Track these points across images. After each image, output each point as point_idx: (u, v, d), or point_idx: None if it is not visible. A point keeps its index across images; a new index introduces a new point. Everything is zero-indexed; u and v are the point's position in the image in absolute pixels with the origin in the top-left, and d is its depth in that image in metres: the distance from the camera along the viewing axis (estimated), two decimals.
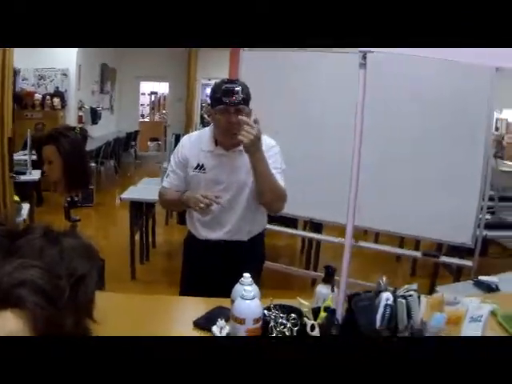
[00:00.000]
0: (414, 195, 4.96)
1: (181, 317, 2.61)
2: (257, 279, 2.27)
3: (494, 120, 9.31)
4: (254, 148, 2.82)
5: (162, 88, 19.84)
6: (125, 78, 16.98)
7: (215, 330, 2.04)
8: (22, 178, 6.95)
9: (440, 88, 4.70)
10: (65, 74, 12.45)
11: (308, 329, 1.93)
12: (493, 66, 3.99)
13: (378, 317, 1.96)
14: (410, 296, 2.01)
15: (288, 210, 3.30)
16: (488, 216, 5.92)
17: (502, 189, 7.14)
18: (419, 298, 2.04)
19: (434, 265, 5.86)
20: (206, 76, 16.98)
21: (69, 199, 3.22)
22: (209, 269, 3.22)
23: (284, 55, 5.03)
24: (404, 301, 1.98)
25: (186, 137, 3.36)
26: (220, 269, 3.13)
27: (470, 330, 2.11)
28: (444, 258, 5.28)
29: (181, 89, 17.20)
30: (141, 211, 6.71)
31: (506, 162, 9.80)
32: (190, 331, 2.38)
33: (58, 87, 12.39)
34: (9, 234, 1.90)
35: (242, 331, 1.91)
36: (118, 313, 2.40)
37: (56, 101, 11.97)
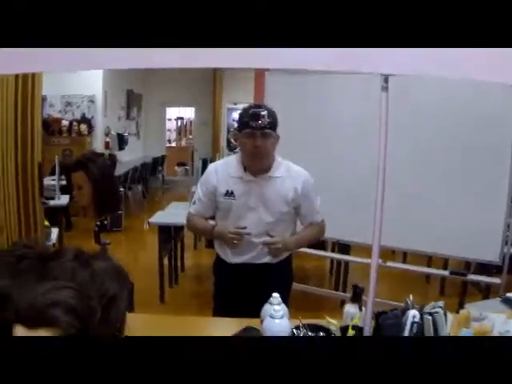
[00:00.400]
0: (441, 214, 5.00)
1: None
2: (285, 300, 2.31)
3: None
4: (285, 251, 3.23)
5: (188, 113, 19.97)
6: (151, 104, 17.14)
7: None
8: (51, 202, 7.05)
9: (464, 101, 4.72)
10: (91, 101, 12.60)
11: None
12: None
13: (406, 334, 1.99)
14: (437, 313, 2.03)
15: None
16: None
17: None
18: (445, 314, 2.07)
19: (463, 283, 5.84)
20: (232, 100, 17.09)
21: (98, 223, 3.28)
22: (239, 292, 3.29)
23: (308, 79, 5.08)
24: (430, 317, 2.01)
25: (212, 165, 3.43)
26: (249, 291, 3.17)
27: None
28: (472, 276, 5.28)
29: (207, 113, 17.32)
30: (169, 235, 6.75)
31: None
32: None
33: (84, 113, 12.53)
34: (41, 257, 1.97)
35: None
36: (149, 334, 2.44)
37: (83, 127, 12.11)
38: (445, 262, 6.43)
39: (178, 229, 6.95)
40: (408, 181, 4.87)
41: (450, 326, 2.09)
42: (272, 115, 3.04)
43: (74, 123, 12.10)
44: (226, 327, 2.69)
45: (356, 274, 6.53)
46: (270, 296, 2.29)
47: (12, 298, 1.63)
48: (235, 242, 3.07)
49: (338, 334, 2.06)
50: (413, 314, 2.01)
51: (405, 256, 7.06)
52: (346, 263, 6.35)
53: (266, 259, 3.26)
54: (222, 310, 3.32)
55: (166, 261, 6.67)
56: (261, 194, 3.17)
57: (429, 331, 2.01)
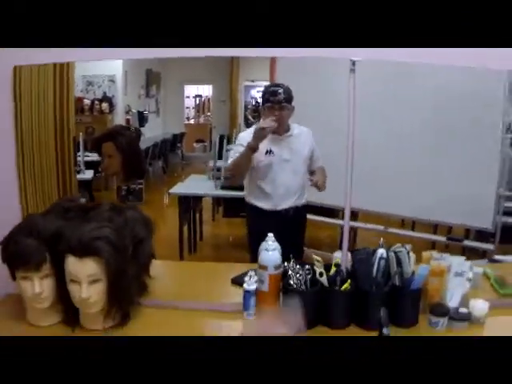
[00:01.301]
0: (442, 185, 5.43)
1: (221, 277, 3.14)
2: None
3: None
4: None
5: (206, 91, 20.12)
6: (169, 82, 17.17)
7: (246, 278, 2.53)
8: (77, 176, 7.41)
9: (456, 80, 4.90)
10: (112, 80, 12.80)
11: (317, 274, 2.42)
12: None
13: (374, 267, 2.44)
14: (400, 251, 2.48)
15: (325, 200, 4.09)
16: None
17: None
18: (409, 254, 2.52)
19: (462, 249, 6.18)
20: (249, 78, 17.26)
21: (125, 188, 3.75)
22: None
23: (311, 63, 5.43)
24: (394, 254, 2.47)
25: (241, 134, 4.33)
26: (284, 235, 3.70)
27: (453, 283, 2.56)
28: (467, 242, 5.73)
29: (224, 91, 17.43)
30: (188, 205, 7.20)
31: None
32: (228, 287, 2.87)
33: (105, 92, 12.71)
34: (82, 208, 2.49)
35: (265, 276, 2.42)
36: (168, 275, 2.92)
37: (104, 105, 12.30)
38: (448, 230, 6.74)
39: (197, 199, 7.44)
40: (407, 152, 5.27)
41: (412, 262, 2.54)
42: (287, 91, 4.00)
43: (96, 102, 12.28)
44: (240, 269, 3.11)
45: (363, 242, 6.89)
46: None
47: (65, 235, 2.13)
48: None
49: (321, 267, 2.50)
50: (381, 251, 2.47)
51: (413, 225, 7.37)
52: (355, 230, 6.69)
53: (302, 201, 4.29)
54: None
55: (185, 230, 7.01)
56: (291, 148, 4.12)
57: (393, 265, 2.46)
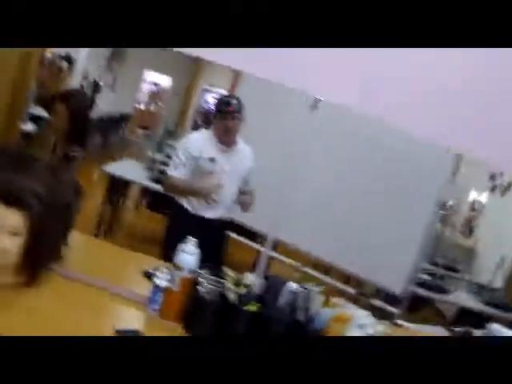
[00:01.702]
0: (364, 237, 5.48)
1: (136, 266, 3.04)
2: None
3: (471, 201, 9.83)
4: None
5: (165, 81, 20.02)
6: (132, 62, 17.04)
7: (158, 273, 2.53)
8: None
9: (400, 148, 5.11)
10: None
11: (226, 289, 2.46)
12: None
13: (283, 298, 2.50)
14: (311, 290, 2.54)
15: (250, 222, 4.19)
16: (428, 277, 6.46)
17: (451, 260, 7.73)
18: (318, 295, 2.57)
19: (370, 307, 6.23)
20: (209, 82, 17.25)
21: (63, 152, 3.72)
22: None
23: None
24: (305, 290, 2.52)
25: (191, 135, 4.39)
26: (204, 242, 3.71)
27: (354, 334, 2.60)
28: (373, 301, 5.77)
29: (182, 87, 17.42)
30: (117, 187, 7.07)
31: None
32: (138, 277, 2.87)
33: (69, 51, 12.61)
34: (19, 155, 2.44)
35: (178, 277, 2.43)
36: (83, 249, 2.91)
37: (64, 64, 12.19)
38: (359, 285, 6.71)
39: (126, 184, 7.29)
40: (345, 203, 5.40)
41: (319, 304, 2.59)
42: (240, 103, 4.01)
43: (58, 59, 12.18)
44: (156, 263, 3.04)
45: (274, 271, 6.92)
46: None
47: None
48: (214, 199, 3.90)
49: (232, 283, 2.53)
50: (293, 285, 2.53)
51: (328, 270, 7.35)
52: (271, 258, 6.68)
53: (228, 216, 4.31)
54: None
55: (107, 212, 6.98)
56: (234, 161, 4.10)
57: (301, 302, 2.51)
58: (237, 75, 6.99)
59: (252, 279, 2.75)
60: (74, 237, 2.67)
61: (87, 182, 10.10)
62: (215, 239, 3.98)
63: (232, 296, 2.44)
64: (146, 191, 8.05)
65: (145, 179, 6.83)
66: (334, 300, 2.70)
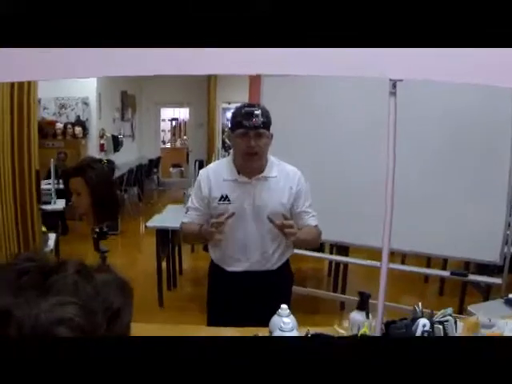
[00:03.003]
0: (440, 214, 4.96)
1: None
2: (287, 302, 2.25)
3: None
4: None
5: (183, 114, 19.89)
6: (145, 105, 17.05)
7: None
8: (48, 207, 7.01)
9: (466, 107, 4.69)
10: (85, 103, 12.53)
11: None
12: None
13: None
14: (447, 321, 1.99)
15: None
16: None
17: None
18: (455, 322, 2.02)
19: (463, 284, 5.80)
20: (226, 100, 17.02)
21: (97, 230, 3.21)
22: (237, 298, 3.20)
23: (304, 80, 5.02)
24: (441, 326, 1.96)
25: (203, 171, 3.32)
26: (249, 298, 3.14)
27: None
28: (472, 277, 5.23)
29: (201, 114, 17.24)
30: (167, 238, 6.73)
31: None
32: None
33: (79, 116, 12.47)
34: (42, 271, 1.90)
35: None
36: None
37: (77, 129, 12.05)
38: (444, 263, 6.39)
39: (175, 232, 6.93)
40: (408, 182, 4.82)
41: (459, 333, 2.05)
42: (266, 114, 2.97)
43: (69, 126, 12.04)
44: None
45: (354, 276, 6.52)
46: (271, 301, 2.24)
47: (14, 316, 1.58)
48: (214, 230, 2.92)
49: None
50: (423, 322, 1.96)
51: (404, 257, 7.03)
52: (345, 265, 6.31)
53: (266, 266, 3.18)
54: (216, 317, 3.25)
55: (163, 264, 6.64)
56: (256, 197, 3.09)
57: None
58: (252, 84, 6.47)
59: (358, 319, 2.25)
60: (136, 331, 2.17)
61: (136, 238, 9.90)
62: (268, 293, 3.10)
63: None
64: None
65: None
66: (472, 320, 2.14)
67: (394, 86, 2.08)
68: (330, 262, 7.19)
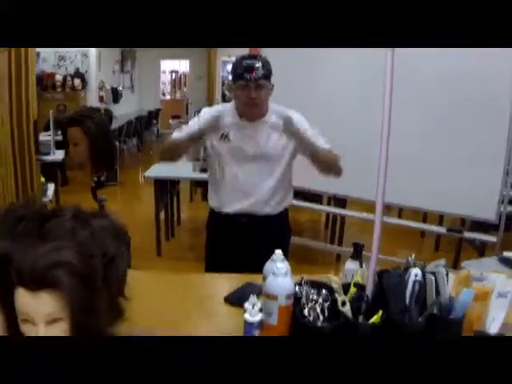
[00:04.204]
0: (437, 171, 4.98)
1: (211, 293, 2.61)
2: (285, 254, 2.27)
3: None
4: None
5: (183, 66, 19.81)
6: (145, 57, 16.99)
7: (247, 305, 2.03)
8: (47, 158, 7.02)
9: (465, 69, 4.70)
10: (85, 55, 12.51)
11: (339, 304, 1.93)
12: None
13: (408, 293, 1.97)
14: (438, 272, 2.01)
15: (312, 185, 3.34)
16: None
17: None
18: (447, 274, 2.04)
19: (458, 240, 5.85)
20: (226, 53, 16.94)
21: (95, 179, 3.23)
22: (235, 245, 3.26)
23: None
24: (433, 277, 1.99)
25: (206, 108, 3.35)
26: (246, 244, 3.19)
27: (496, 306, 2.11)
28: (468, 234, 5.28)
29: (201, 66, 17.21)
30: (165, 189, 6.80)
31: None
32: (221, 307, 2.40)
33: (78, 68, 12.45)
34: (39, 218, 1.93)
35: (274, 308, 1.92)
36: (148, 291, 2.43)
37: (77, 81, 12.04)
38: (440, 219, 6.42)
39: (174, 182, 7.01)
40: (406, 138, 4.84)
41: (451, 285, 2.07)
42: (266, 66, 3.01)
43: (68, 78, 12.03)
44: (225, 283, 2.64)
45: (351, 229, 6.57)
46: (269, 250, 2.26)
47: (13, 261, 1.60)
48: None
49: (340, 291, 2.02)
50: (415, 272, 1.98)
51: (400, 211, 7.07)
52: (342, 217, 6.35)
53: (266, 210, 3.22)
54: (215, 266, 3.27)
55: (162, 214, 6.68)
56: (256, 139, 3.14)
57: (431, 290, 1.99)
58: None
59: (352, 268, 2.28)
60: (133, 279, 2.19)
61: (135, 188, 9.94)
62: (266, 237, 3.09)
63: (348, 311, 1.93)
64: (196, 182, 7.93)
65: (191, 172, 6.44)
66: (464, 273, 2.16)
67: None
68: (328, 214, 7.25)
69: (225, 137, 3.13)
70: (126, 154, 12.39)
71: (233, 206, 3.22)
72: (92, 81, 12.70)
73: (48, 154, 7.28)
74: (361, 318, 1.93)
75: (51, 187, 5.76)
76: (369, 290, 2.08)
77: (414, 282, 1.96)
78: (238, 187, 3.18)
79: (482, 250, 5.26)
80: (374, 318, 1.89)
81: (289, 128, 2.91)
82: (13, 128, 3.74)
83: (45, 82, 11.49)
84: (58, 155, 7.39)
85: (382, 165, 2.21)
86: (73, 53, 12.40)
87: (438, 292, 1.99)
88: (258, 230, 3.19)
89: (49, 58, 12.07)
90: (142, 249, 4.91)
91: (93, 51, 12.57)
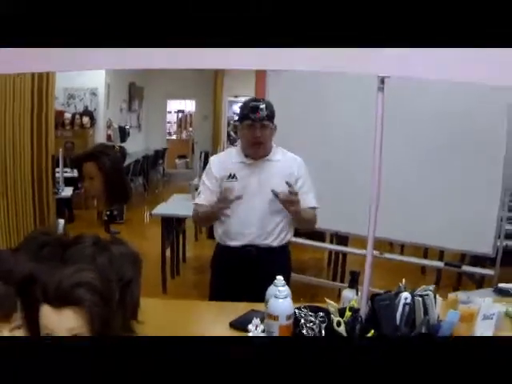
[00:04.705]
0: (436, 206, 5.13)
1: (216, 319, 2.76)
2: (287, 282, 2.45)
3: None
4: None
5: (189, 106, 20.01)
6: (152, 97, 17.17)
7: (251, 327, 2.20)
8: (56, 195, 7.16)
9: (463, 102, 4.81)
10: (94, 93, 12.67)
11: (334, 324, 2.10)
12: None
13: (398, 314, 2.14)
14: (427, 295, 2.18)
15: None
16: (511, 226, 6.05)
17: None
18: (435, 297, 2.21)
19: (458, 275, 5.98)
20: (232, 94, 17.16)
21: (108, 213, 3.41)
22: (239, 276, 3.43)
23: (308, 78, 5.20)
24: (421, 299, 2.16)
25: (214, 156, 3.73)
26: (249, 276, 3.36)
27: (482, 327, 2.27)
28: (466, 268, 5.43)
29: (207, 106, 17.38)
30: (171, 227, 6.89)
31: None
32: (226, 332, 2.55)
33: (87, 106, 12.61)
34: (61, 244, 2.13)
35: (275, 327, 2.11)
36: (157, 317, 2.58)
37: (85, 119, 12.19)
38: (440, 254, 6.51)
39: (180, 220, 7.14)
40: (405, 175, 5.02)
41: (439, 308, 2.24)
42: (270, 108, 3.34)
43: (77, 116, 12.18)
44: (230, 310, 2.78)
45: (354, 265, 6.67)
46: (271, 280, 2.45)
47: (38, 280, 1.78)
48: (224, 205, 3.25)
49: (337, 314, 2.19)
50: (405, 295, 2.16)
51: (402, 248, 7.18)
52: (344, 254, 6.46)
53: (266, 241, 3.43)
54: (219, 295, 3.46)
55: (167, 252, 6.77)
56: (261, 176, 3.40)
57: (419, 312, 2.16)
58: (259, 79, 6.63)
59: (349, 296, 2.44)
60: (143, 306, 2.35)
61: (140, 227, 10.04)
62: (268, 268, 3.06)
63: (342, 330, 2.10)
64: None
65: None
66: (452, 296, 2.34)
67: (382, 81, 2.27)
68: (330, 252, 7.35)
69: (232, 176, 3.40)
70: (132, 193, 12.51)
71: (236, 240, 3.44)
72: (100, 119, 12.86)
73: (58, 193, 7.42)
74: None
75: (61, 222, 5.90)
76: (362, 312, 2.25)
77: (404, 304, 2.13)
78: (244, 221, 3.41)
79: (480, 283, 5.38)
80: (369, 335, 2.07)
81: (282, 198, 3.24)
82: (33, 163, 3.91)
83: (54, 119, 11.66)
84: (67, 192, 7.54)
85: (373, 199, 2.37)
86: (82, 91, 12.58)
87: (426, 313, 2.16)
88: (262, 261, 3.38)
89: (58, 96, 12.20)
90: (148, 286, 5.00)
91: (101, 89, 12.75)
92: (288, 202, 3.22)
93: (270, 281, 2.47)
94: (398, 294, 2.20)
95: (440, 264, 5.76)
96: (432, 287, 2.27)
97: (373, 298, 2.24)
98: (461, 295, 2.36)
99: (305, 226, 3.58)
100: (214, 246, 3.64)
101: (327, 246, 6.73)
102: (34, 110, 3.97)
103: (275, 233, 3.46)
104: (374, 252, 5.17)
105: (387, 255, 5.72)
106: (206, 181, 3.52)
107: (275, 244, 3.46)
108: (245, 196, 3.30)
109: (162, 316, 2.75)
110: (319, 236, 6.54)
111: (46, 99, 4.04)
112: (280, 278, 2.26)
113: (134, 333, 2.20)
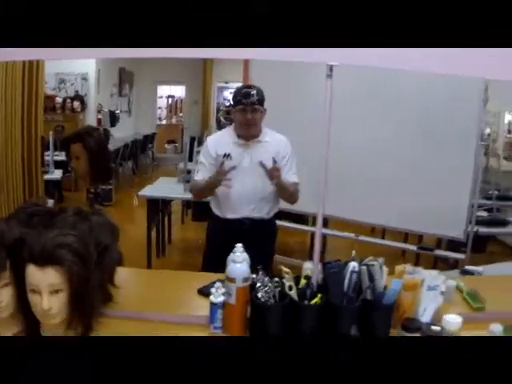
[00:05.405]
0: (414, 193, 5.40)
1: (187, 286, 2.94)
2: (273, 250, 3.46)
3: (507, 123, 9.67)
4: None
5: (179, 91, 20.07)
6: (143, 82, 17.20)
7: (213, 290, 2.44)
8: (46, 177, 7.32)
9: (434, 90, 5.06)
10: (84, 78, 12.79)
11: (286, 288, 2.35)
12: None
13: (346, 281, 2.38)
14: (372, 265, 2.42)
15: (296, 206, 3.93)
16: (485, 213, 6.32)
17: (504, 189, 7.55)
18: (381, 267, 2.45)
19: (434, 259, 6.19)
20: (222, 79, 17.27)
21: (93, 191, 3.67)
22: (232, 243, 3.68)
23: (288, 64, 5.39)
24: (365, 267, 2.40)
25: (209, 137, 4.14)
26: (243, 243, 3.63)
27: (428, 297, 2.51)
28: (438, 252, 5.71)
29: (197, 92, 17.46)
30: (157, 208, 7.06)
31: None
32: (194, 297, 2.79)
33: (77, 91, 12.72)
34: (47, 213, 2.39)
35: (233, 289, 2.35)
36: (133, 283, 2.84)
37: (76, 104, 12.31)
38: (419, 239, 6.74)
39: (166, 202, 7.34)
40: (385, 164, 5.28)
41: (384, 277, 2.47)
42: (260, 93, 3.77)
43: (68, 100, 12.29)
44: (205, 279, 2.94)
45: (333, 246, 6.88)
46: (262, 248, 2.78)
47: (26, 242, 2.03)
48: (223, 176, 3.64)
49: (290, 280, 2.43)
50: (353, 264, 2.39)
51: (383, 232, 7.39)
52: (325, 237, 6.65)
53: (260, 214, 3.90)
54: (211, 264, 3.63)
55: (153, 234, 6.94)
56: (253, 156, 3.77)
57: (365, 280, 2.40)
58: (247, 65, 6.84)
59: (308, 266, 2.67)
60: (123, 274, 2.60)
61: (128, 209, 10.20)
62: (256, 240, 3.47)
63: (294, 294, 2.35)
64: (187, 203, 8.16)
65: (183, 192, 6.67)
66: (399, 267, 2.57)
67: (331, 69, 2.50)
68: (312, 234, 7.54)
69: (227, 155, 3.74)
70: (121, 176, 12.63)
71: (231, 213, 3.88)
72: (91, 104, 12.97)
73: (47, 172, 7.58)
74: (306, 302, 2.36)
75: (51, 202, 6.09)
76: (314, 280, 2.50)
77: (352, 272, 2.37)
78: (236, 197, 3.81)
79: (455, 267, 5.59)
80: (315, 300, 2.32)
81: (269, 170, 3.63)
82: (23, 143, 4.10)
83: (45, 103, 11.72)
84: (57, 174, 7.74)
85: (322, 181, 2.62)
86: (72, 76, 12.69)
87: (372, 282, 2.40)
88: (255, 232, 3.81)
89: (49, 80, 12.30)
90: (133, 264, 5.19)
91: (92, 74, 12.85)
92: (272, 170, 3.59)
93: (261, 249, 2.81)
94: (347, 263, 2.44)
95: (414, 248, 6.02)
96: (381, 259, 2.50)
97: (324, 265, 2.48)
98: (408, 267, 2.58)
99: (288, 199, 3.96)
100: (198, 228, 3.94)
101: (307, 228, 6.92)
102: (24, 93, 4.16)
103: (266, 207, 3.91)
104: (352, 234, 5.49)
105: (370, 239, 6.01)
106: (203, 159, 3.91)
107: (266, 216, 3.92)
108: (238, 174, 3.69)
109: (138, 283, 3.00)
110: (304, 220, 6.80)
111: (36, 82, 4.23)
112: (239, 245, 2.49)
113: (110, 296, 2.45)
